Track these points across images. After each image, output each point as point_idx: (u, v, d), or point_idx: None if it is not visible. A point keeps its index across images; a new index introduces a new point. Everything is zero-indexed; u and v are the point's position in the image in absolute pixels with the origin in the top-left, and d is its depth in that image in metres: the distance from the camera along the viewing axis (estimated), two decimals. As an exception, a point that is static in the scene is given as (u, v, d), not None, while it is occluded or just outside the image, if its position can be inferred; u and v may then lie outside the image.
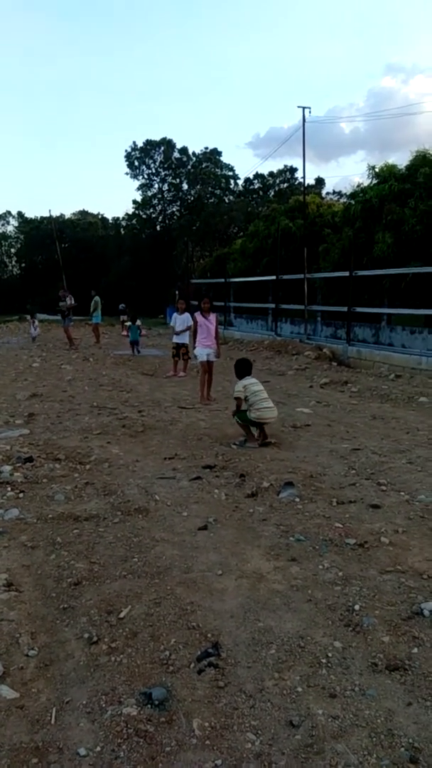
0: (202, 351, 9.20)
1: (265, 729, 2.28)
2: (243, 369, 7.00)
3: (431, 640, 2.80)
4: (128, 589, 3.28)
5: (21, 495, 4.70)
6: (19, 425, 7.09)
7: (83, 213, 57.72)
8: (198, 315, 9.26)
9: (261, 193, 49.60)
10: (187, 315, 11.89)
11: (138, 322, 16.14)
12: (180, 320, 12.04)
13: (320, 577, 3.44)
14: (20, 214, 56.76)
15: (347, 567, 3.56)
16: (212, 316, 9.27)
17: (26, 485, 4.92)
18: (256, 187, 49.98)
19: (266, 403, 6.63)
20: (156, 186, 47.58)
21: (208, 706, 2.40)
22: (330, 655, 2.71)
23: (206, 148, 46.99)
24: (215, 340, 9.26)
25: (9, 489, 4.79)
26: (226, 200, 46.85)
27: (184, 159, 46.81)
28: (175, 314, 12.38)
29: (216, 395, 9.55)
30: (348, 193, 20.96)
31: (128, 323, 17.74)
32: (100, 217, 56.90)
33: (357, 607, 3.09)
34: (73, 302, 17.07)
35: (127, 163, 46.95)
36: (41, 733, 2.25)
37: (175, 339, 12.23)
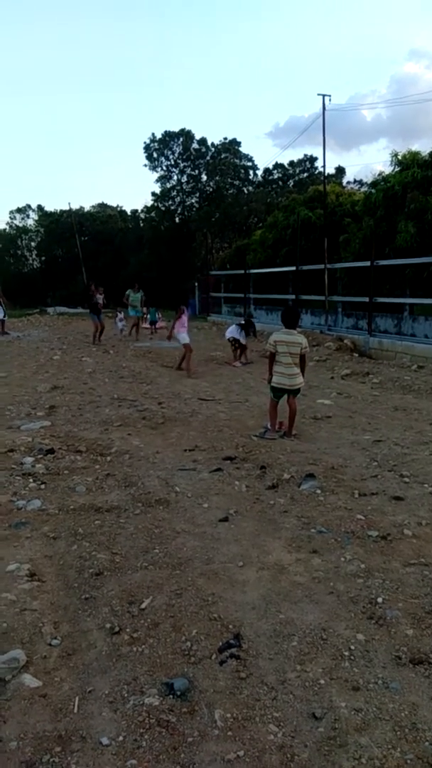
0: (186, 335, 11.73)
1: (288, 721, 2.27)
2: (286, 318, 6.66)
3: (456, 633, 2.75)
4: (149, 580, 3.29)
5: (43, 486, 4.74)
6: (40, 417, 7.15)
7: (102, 206, 57.86)
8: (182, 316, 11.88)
9: (281, 183, 49.18)
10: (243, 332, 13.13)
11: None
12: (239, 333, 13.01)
13: (342, 569, 3.41)
14: (40, 208, 57.14)
15: (370, 559, 3.52)
16: (185, 316, 12.04)
17: (48, 476, 4.96)
18: (275, 177, 49.55)
19: (284, 369, 6.49)
20: (175, 178, 47.45)
21: (230, 697, 2.40)
22: (353, 647, 2.69)
23: (225, 138, 46.72)
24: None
25: (31, 480, 4.83)
26: (246, 191, 46.56)
27: (203, 150, 46.57)
28: (236, 327, 13.08)
29: (238, 387, 9.58)
30: (369, 182, 20.67)
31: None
32: (119, 209, 56.97)
33: (380, 599, 3.06)
34: (104, 299, 17.22)
35: (146, 154, 46.88)
36: (64, 721, 2.27)
37: (229, 335, 13.12)
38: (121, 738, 2.18)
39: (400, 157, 17.61)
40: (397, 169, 17.60)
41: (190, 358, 11.73)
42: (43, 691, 2.43)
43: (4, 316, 18.52)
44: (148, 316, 20.94)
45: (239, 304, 25.99)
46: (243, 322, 13.28)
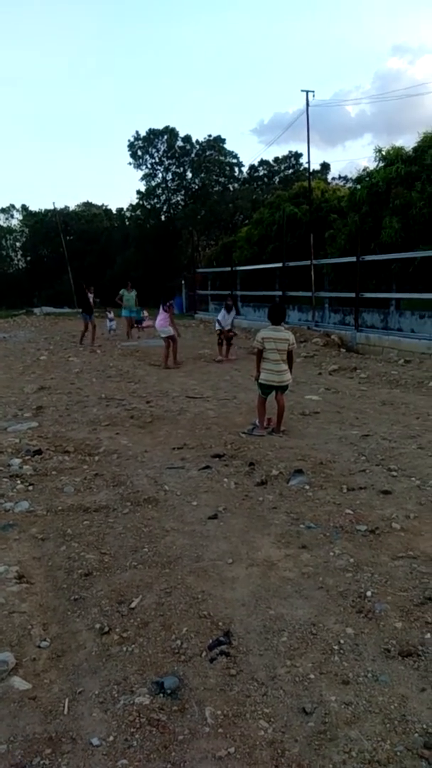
0: (169, 328, 12.03)
1: (278, 716, 2.27)
2: (273, 314, 6.72)
3: (444, 625, 2.77)
4: (139, 579, 3.28)
5: (30, 487, 4.71)
6: (27, 418, 7.11)
7: (87, 205, 57.52)
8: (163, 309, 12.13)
9: (266, 179, 49.15)
10: (233, 314, 13.41)
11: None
12: (227, 318, 13.13)
13: (331, 564, 3.42)
14: (24, 208, 56.62)
15: (358, 553, 3.54)
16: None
17: (36, 478, 4.93)
18: (261, 174, 49.51)
19: (272, 365, 6.50)
20: (160, 175, 47.26)
21: (221, 694, 2.40)
22: (342, 641, 2.70)
23: (210, 135, 46.54)
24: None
25: (19, 482, 4.80)
26: (231, 188, 46.49)
27: (188, 147, 46.43)
28: (223, 311, 13.31)
29: (226, 384, 9.62)
30: (354, 178, 20.71)
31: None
32: (104, 208, 56.65)
33: (369, 593, 3.07)
34: (94, 299, 17.11)
35: (130, 152, 46.63)
36: (54, 723, 2.26)
37: (218, 327, 13.21)
38: (111, 738, 2.18)
39: (384, 153, 17.65)
40: (382, 164, 17.64)
41: (174, 350, 12.12)
42: (32, 693, 2.42)
43: None
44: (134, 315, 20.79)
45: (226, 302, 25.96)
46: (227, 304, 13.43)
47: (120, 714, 2.29)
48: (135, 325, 17.60)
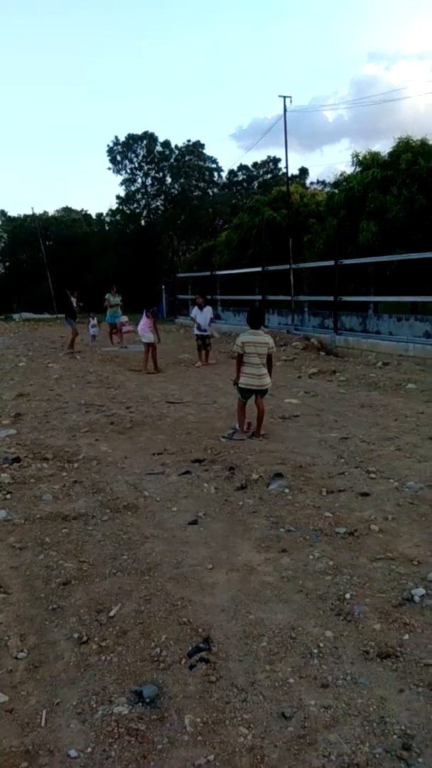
0: (151, 335, 12.11)
1: (258, 722, 2.27)
2: (252, 319, 6.73)
3: (422, 626, 2.80)
4: (118, 587, 3.25)
5: (8, 496, 4.65)
6: (5, 425, 7.02)
7: (67, 210, 57.19)
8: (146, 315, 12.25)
9: (245, 184, 49.43)
10: (209, 308, 13.23)
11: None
12: (202, 315, 13.03)
13: (311, 567, 3.43)
14: (3, 213, 56.15)
15: (338, 556, 3.55)
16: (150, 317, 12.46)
17: (14, 486, 4.87)
18: (240, 178, 49.79)
19: (252, 369, 6.53)
20: (139, 180, 47.25)
21: (200, 701, 2.39)
22: (321, 645, 2.70)
23: (189, 141, 46.74)
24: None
25: (-4, 490, 4.74)
26: (211, 193, 46.67)
27: (167, 152, 46.50)
28: (195, 309, 13.36)
29: (206, 389, 9.61)
30: (332, 182, 20.94)
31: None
32: (83, 213, 56.44)
33: (348, 595, 3.09)
34: (78, 303, 16.94)
35: (109, 158, 46.60)
36: (31, 736, 2.22)
37: (197, 331, 13.12)
38: (89, 749, 2.15)
39: (360, 158, 17.88)
40: (358, 169, 17.86)
41: (154, 356, 12.15)
42: (9, 705, 2.38)
43: None
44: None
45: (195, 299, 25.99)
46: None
47: (98, 725, 2.27)
48: (114, 331, 17.20)
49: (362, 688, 2.42)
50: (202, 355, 13.11)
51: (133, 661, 2.63)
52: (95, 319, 18.73)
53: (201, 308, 13.25)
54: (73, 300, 16.29)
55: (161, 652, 2.68)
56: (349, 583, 3.23)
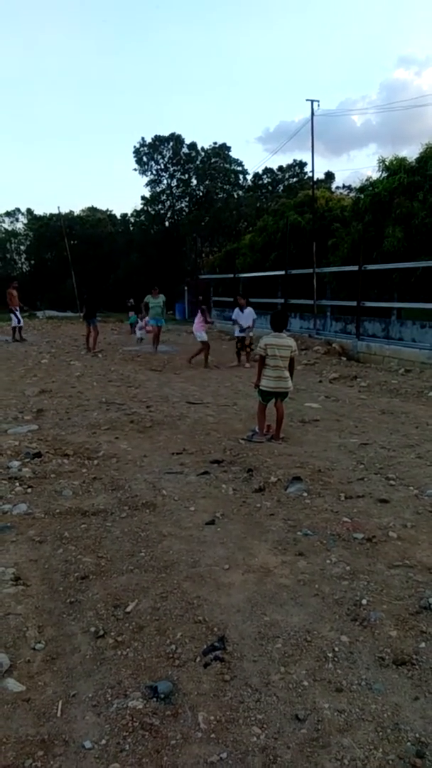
0: (204, 334, 13.08)
1: (271, 723, 2.27)
2: (275, 322, 6.71)
3: (439, 634, 2.77)
4: (135, 584, 3.28)
5: (29, 490, 4.72)
6: (27, 421, 7.12)
7: (92, 210, 57.76)
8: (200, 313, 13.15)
9: (270, 188, 49.40)
10: (250, 310, 13.58)
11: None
12: (244, 316, 13.40)
13: (327, 571, 3.42)
14: (29, 212, 56.97)
15: (355, 561, 3.54)
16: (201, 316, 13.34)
17: (35, 480, 4.94)
18: (265, 182, 49.78)
19: (274, 372, 6.52)
20: (165, 182, 47.54)
21: (214, 699, 2.40)
22: (337, 649, 2.70)
23: (215, 143, 46.94)
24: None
25: (17, 484, 4.81)
26: (235, 195, 46.73)
27: (193, 154, 46.72)
28: (236, 310, 13.68)
29: (226, 390, 9.64)
30: (357, 187, 20.82)
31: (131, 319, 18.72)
32: (108, 213, 56.92)
33: (364, 601, 3.07)
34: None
35: (135, 159, 46.97)
36: (47, 726, 2.26)
37: (238, 333, 13.52)
38: (104, 741, 2.18)
39: (387, 163, 17.77)
40: (385, 174, 17.75)
41: (205, 354, 12.85)
42: (26, 695, 2.42)
43: (20, 323, 18.51)
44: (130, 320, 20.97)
45: (228, 308, 26.02)
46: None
47: (113, 717, 2.29)
48: (133, 330, 16.97)
49: (377, 694, 2.41)
50: (242, 356, 13.28)
51: (148, 657, 2.66)
52: (143, 321, 17.54)
53: (242, 309, 13.41)
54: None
55: (176, 649, 2.70)
56: (365, 588, 3.21)
